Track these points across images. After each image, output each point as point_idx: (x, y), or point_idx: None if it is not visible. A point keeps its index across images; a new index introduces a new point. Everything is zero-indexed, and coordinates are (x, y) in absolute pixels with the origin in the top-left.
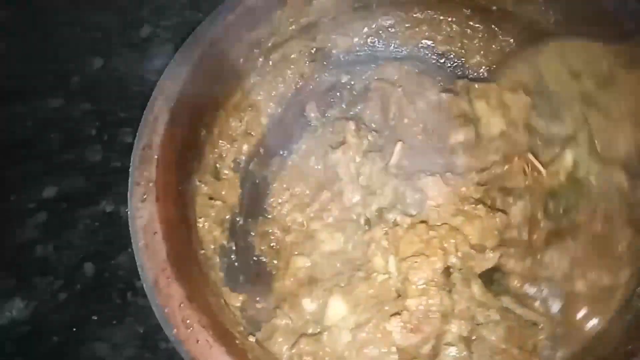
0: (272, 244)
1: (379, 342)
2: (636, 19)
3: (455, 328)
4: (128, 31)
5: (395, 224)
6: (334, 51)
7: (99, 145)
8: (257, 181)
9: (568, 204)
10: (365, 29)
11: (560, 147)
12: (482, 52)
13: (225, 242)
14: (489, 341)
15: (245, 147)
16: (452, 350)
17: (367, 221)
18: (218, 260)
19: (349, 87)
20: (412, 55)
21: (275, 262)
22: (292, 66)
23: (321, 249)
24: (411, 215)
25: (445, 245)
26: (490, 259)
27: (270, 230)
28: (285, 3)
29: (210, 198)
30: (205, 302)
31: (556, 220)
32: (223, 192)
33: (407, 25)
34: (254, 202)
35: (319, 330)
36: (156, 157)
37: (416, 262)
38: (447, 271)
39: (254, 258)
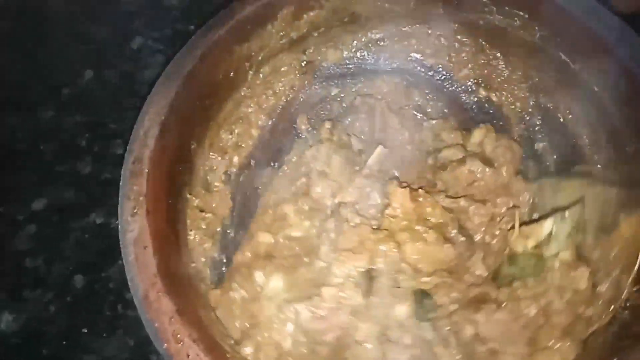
0: None
1: (294, 320)
2: (615, 32)
3: (365, 328)
4: (119, 43)
5: (345, 220)
6: (324, 64)
7: (89, 156)
8: (248, 193)
9: (519, 275)
10: (355, 42)
11: (544, 214)
12: (469, 65)
13: (216, 255)
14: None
15: (236, 159)
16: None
17: (332, 213)
18: (209, 272)
19: (338, 99)
20: (401, 68)
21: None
22: (282, 79)
23: (287, 232)
24: (363, 217)
25: (376, 249)
26: (422, 283)
27: None
28: (275, 17)
29: (201, 210)
30: (196, 315)
31: (498, 283)
32: (214, 205)
33: (396, 38)
34: (244, 213)
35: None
36: (146, 170)
37: (342, 255)
38: (369, 274)
39: None
